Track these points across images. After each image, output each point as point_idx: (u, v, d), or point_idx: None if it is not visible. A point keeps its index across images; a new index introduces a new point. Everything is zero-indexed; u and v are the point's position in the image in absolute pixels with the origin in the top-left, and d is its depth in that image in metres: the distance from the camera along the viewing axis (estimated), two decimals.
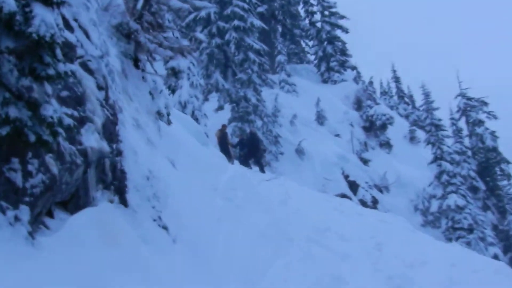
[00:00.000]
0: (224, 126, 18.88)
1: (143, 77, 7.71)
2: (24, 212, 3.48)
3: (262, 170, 17.72)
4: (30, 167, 3.58)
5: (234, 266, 6.02)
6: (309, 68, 39.57)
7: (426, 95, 29.47)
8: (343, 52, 37.55)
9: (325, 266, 6.91)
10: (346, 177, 23.84)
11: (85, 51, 4.74)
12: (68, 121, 3.65)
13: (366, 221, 10.32)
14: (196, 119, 18.67)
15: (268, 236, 7.51)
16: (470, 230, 22.17)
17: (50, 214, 4.01)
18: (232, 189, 9.34)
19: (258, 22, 28.48)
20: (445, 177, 23.72)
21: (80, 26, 4.82)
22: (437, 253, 8.03)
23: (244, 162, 18.12)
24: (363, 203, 21.23)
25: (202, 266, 5.47)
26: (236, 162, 17.83)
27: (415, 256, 7.61)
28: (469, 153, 28.16)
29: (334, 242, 8.07)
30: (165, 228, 5.39)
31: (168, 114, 9.01)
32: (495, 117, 28.41)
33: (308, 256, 7.19)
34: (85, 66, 4.66)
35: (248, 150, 18.38)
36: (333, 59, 36.67)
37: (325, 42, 37.25)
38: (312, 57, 40.94)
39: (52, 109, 3.52)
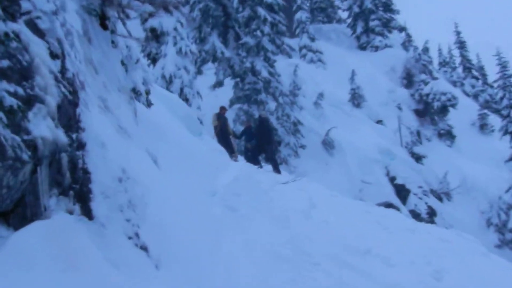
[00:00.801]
0: (223, 109, 18.89)
1: (113, 42, 7.70)
2: None
3: (276, 169, 17.73)
4: None
5: None
6: (340, 29, 39.50)
7: (503, 66, 29.29)
8: (387, 7, 37.39)
9: None
10: (392, 179, 23.86)
11: (33, 4, 4.71)
12: (10, 101, 3.63)
13: (420, 240, 10.35)
14: (186, 100, 18.71)
15: (284, 257, 7.52)
16: None
17: None
18: (236, 194, 9.38)
19: None
20: None
21: None
22: None
23: (252, 158, 18.17)
24: (415, 215, 21.23)
25: None
26: (241, 158, 17.86)
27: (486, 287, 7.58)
28: None
29: (375, 268, 8.05)
30: (144, 248, 5.39)
31: (148, 93, 9.02)
32: None
33: (340, 286, 7.17)
34: (33, 26, 4.63)
35: (257, 142, 18.38)
36: (373, 17, 36.54)
37: None
38: (344, 15, 40.84)
39: None
